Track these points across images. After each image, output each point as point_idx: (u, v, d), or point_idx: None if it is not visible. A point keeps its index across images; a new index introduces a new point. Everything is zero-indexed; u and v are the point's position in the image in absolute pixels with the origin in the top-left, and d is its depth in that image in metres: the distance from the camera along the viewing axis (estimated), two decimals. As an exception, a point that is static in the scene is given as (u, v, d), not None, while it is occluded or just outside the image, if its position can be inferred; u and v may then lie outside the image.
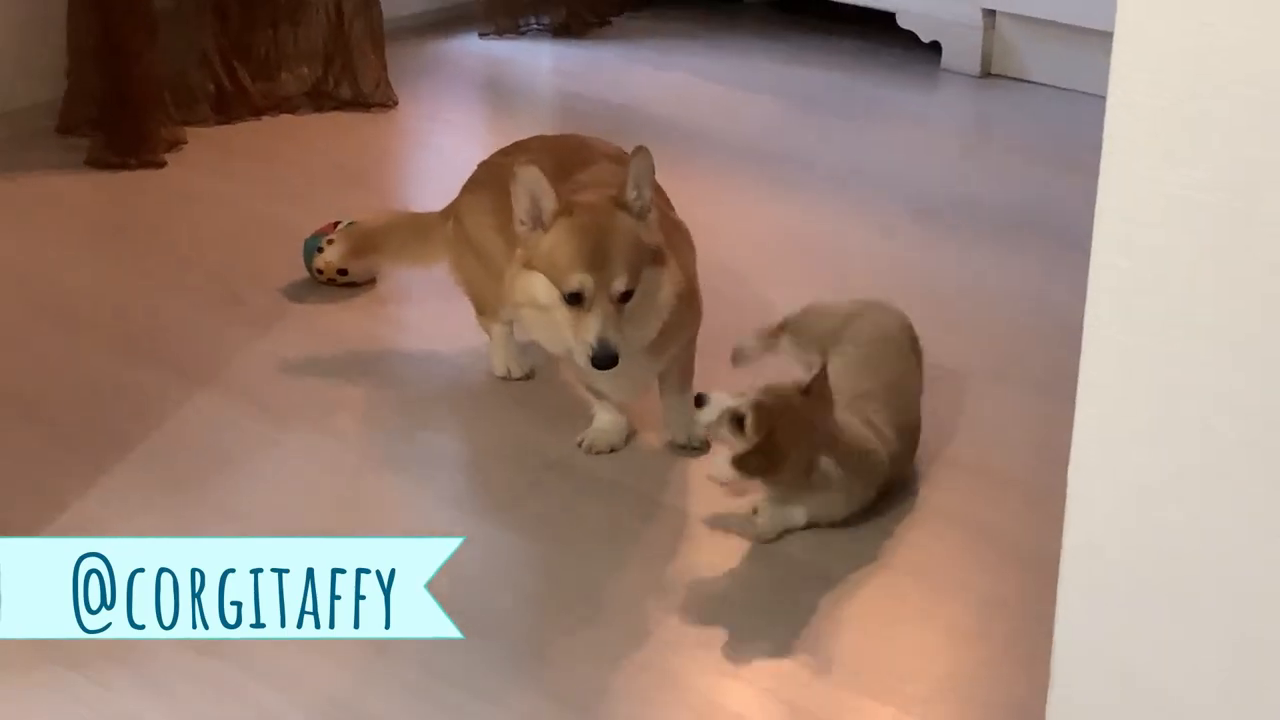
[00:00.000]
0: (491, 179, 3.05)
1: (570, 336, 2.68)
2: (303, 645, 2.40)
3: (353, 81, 4.91)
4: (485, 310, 3.13)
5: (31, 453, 3.01)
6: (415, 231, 3.26)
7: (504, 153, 3.15)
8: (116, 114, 4.44)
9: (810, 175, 4.43)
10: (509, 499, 2.87)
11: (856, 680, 2.42)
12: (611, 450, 2.94)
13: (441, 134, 4.86)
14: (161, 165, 4.39)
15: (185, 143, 4.54)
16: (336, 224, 3.58)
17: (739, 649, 2.48)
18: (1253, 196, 1.38)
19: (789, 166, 4.47)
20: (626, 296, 2.66)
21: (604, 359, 2.65)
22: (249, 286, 3.64)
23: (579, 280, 2.65)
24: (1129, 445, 1.53)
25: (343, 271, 3.55)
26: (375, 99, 4.91)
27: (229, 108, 4.77)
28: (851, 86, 5.16)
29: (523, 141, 3.16)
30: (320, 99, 4.90)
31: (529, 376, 3.16)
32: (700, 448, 2.94)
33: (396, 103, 4.89)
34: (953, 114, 5.06)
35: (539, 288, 2.71)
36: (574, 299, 2.65)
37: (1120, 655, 1.62)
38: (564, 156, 3.01)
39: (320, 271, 3.54)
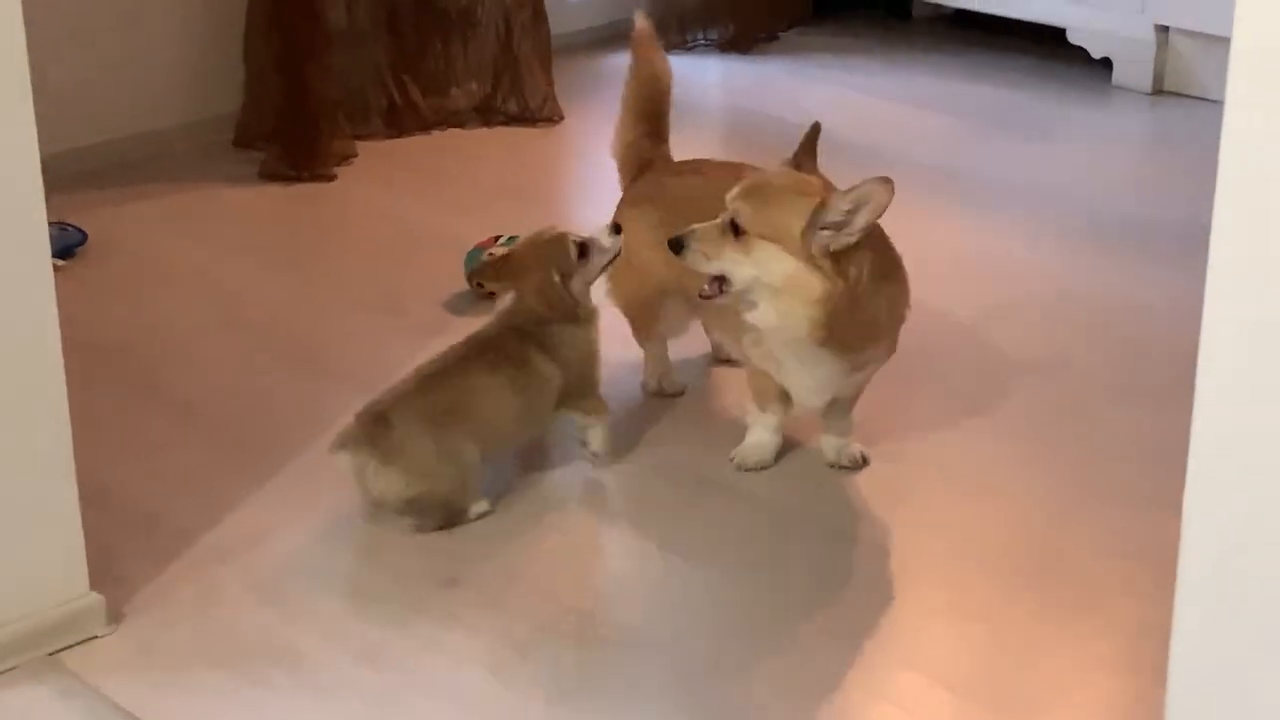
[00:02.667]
0: (658, 194, 3.07)
1: None
2: (455, 655, 2.47)
3: (520, 97, 4.98)
4: (641, 327, 3.16)
5: (195, 458, 3.10)
6: None
7: (672, 171, 3.17)
8: (291, 128, 4.54)
9: (980, 193, 4.44)
10: (666, 516, 2.90)
11: (1000, 709, 2.41)
12: (762, 467, 2.95)
13: (606, 150, 4.78)
14: (332, 178, 4.47)
15: (356, 156, 4.62)
16: (498, 238, 3.63)
17: (887, 675, 2.49)
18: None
19: (958, 184, 4.50)
20: (735, 230, 2.71)
21: (673, 241, 2.73)
22: (411, 298, 3.70)
23: (729, 197, 2.73)
24: (1247, 471, 1.49)
25: (504, 284, 3.56)
26: (542, 114, 4.98)
27: (399, 122, 4.86)
28: (1021, 103, 5.16)
29: (691, 161, 3.17)
30: (488, 114, 4.97)
31: (680, 393, 3.19)
32: (852, 466, 2.95)
33: (563, 118, 4.94)
34: (1123, 132, 5.03)
35: None
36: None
37: (1241, 687, 1.57)
38: (729, 181, 3.01)
39: (481, 285, 3.56)
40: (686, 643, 2.56)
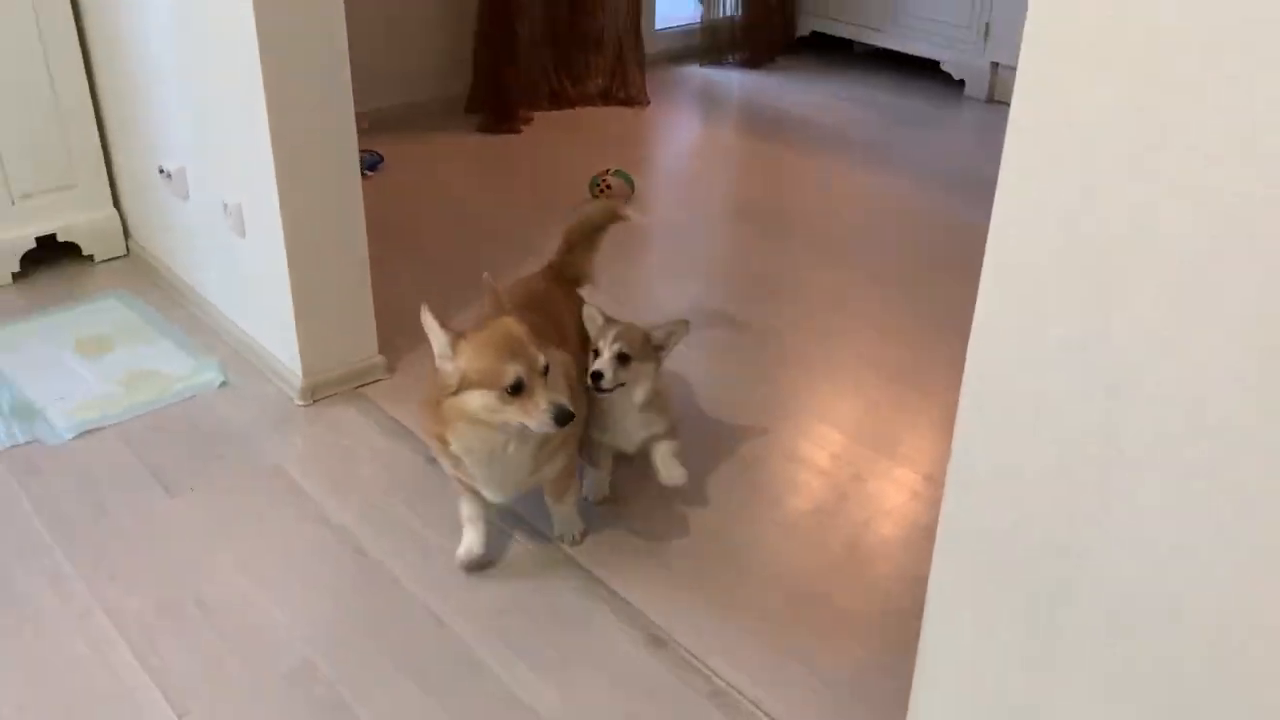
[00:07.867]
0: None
1: (523, 420, 2.59)
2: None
3: (625, 88, 6.43)
4: None
5: (434, 285, 3.94)
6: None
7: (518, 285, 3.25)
8: (496, 101, 6.00)
9: (887, 157, 5.60)
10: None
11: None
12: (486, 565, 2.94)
13: (673, 122, 6.20)
14: (519, 132, 5.88)
15: (532, 120, 6.05)
16: (609, 170, 5.02)
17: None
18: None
19: (875, 152, 5.70)
20: (545, 370, 2.61)
21: (564, 415, 2.57)
22: (561, 200, 4.92)
23: (514, 371, 2.55)
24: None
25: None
26: (638, 100, 6.43)
27: (557, 101, 6.31)
28: (910, 105, 6.49)
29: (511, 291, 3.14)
30: (608, 98, 6.39)
31: None
32: (576, 541, 3.04)
33: (649, 102, 6.39)
34: (968, 124, 6.21)
35: (475, 400, 2.60)
36: (516, 389, 2.57)
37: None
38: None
39: (597, 193, 4.90)
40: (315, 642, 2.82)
